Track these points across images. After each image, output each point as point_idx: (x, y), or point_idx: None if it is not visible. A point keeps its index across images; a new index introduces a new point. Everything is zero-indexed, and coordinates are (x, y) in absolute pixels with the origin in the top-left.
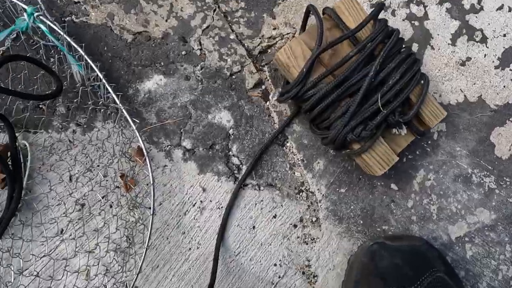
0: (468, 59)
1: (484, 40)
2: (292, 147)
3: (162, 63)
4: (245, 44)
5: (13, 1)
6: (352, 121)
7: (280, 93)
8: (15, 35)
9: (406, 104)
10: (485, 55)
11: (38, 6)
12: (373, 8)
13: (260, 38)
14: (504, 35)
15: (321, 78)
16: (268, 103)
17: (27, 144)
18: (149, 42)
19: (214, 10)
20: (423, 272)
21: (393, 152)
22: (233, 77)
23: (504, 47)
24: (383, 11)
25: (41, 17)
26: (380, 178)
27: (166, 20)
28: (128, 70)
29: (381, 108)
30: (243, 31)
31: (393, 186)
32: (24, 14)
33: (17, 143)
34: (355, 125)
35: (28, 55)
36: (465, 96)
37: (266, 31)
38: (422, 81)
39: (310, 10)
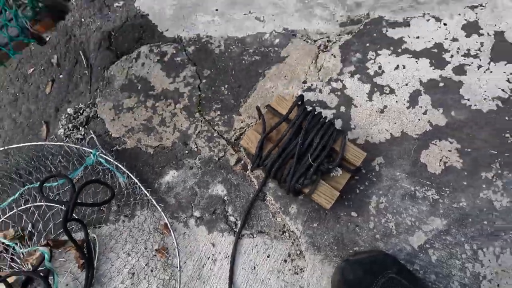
0: (385, 107)
1: (392, 91)
2: (271, 199)
3: (174, 162)
4: (225, 137)
5: (84, 149)
6: (295, 175)
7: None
8: (83, 167)
9: (334, 154)
10: (396, 101)
11: (98, 147)
12: (296, 98)
13: (233, 131)
14: (406, 84)
15: (270, 151)
16: (248, 172)
17: (95, 236)
18: (164, 150)
19: (201, 120)
20: (378, 275)
21: (334, 189)
22: (220, 160)
23: (409, 93)
24: (313, 91)
25: (101, 154)
26: (342, 209)
27: (173, 134)
28: (153, 171)
29: (312, 163)
30: (222, 129)
31: (353, 214)
32: (91, 155)
33: (89, 237)
34: (298, 177)
35: (92, 178)
36: (390, 134)
37: (237, 125)
38: (341, 136)
39: (257, 110)
